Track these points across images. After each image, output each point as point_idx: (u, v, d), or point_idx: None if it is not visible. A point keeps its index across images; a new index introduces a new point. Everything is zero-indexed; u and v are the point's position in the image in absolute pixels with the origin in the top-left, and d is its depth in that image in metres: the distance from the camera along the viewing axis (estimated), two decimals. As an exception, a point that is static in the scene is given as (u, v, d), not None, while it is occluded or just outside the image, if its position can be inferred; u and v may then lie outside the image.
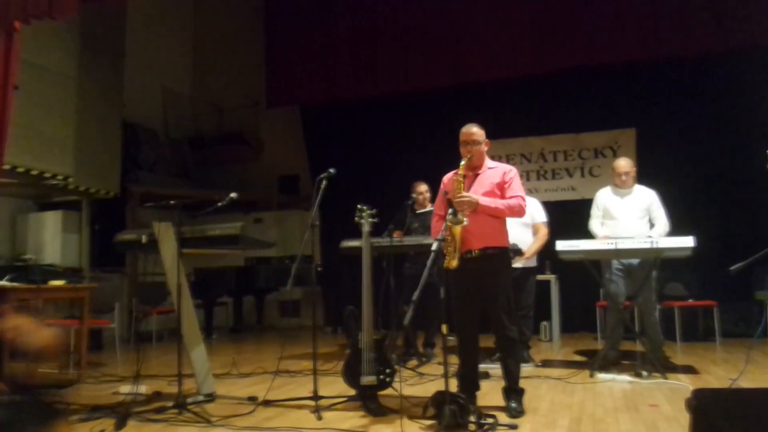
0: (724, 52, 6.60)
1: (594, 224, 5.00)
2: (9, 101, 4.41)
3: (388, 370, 3.59)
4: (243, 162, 10.01)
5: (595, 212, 5.04)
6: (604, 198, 5.01)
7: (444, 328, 3.09)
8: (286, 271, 8.12)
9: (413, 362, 5.21)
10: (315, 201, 3.81)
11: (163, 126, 9.73)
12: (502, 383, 3.53)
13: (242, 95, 9.70)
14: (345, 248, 5.26)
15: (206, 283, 8.19)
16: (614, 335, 4.92)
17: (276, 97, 8.51)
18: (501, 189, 3.48)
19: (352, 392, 3.69)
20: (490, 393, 3.79)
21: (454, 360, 3.53)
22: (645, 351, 4.76)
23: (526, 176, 7.90)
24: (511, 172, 3.54)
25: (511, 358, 3.49)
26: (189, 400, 3.71)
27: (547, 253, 5.35)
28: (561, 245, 4.53)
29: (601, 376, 4.47)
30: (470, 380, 3.51)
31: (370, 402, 3.53)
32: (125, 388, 4.07)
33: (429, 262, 3.02)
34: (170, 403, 3.61)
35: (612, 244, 4.46)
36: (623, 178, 4.88)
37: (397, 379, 3.64)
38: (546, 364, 5.20)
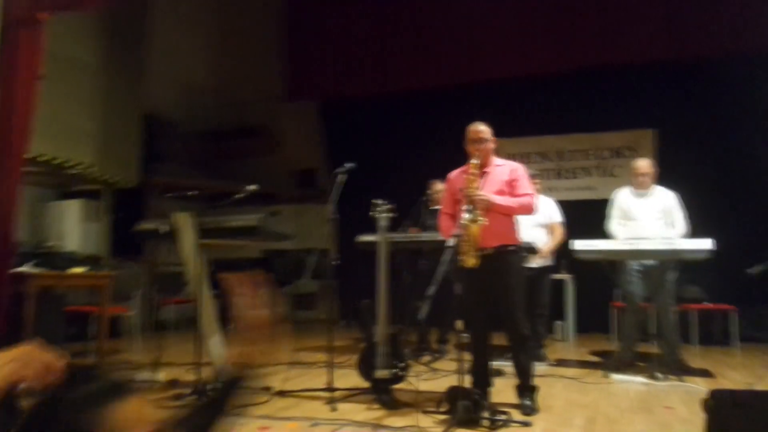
0: (747, 53, 6.51)
1: (612, 225, 4.97)
2: (35, 91, 4.48)
3: (402, 365, 3.61)
4: (261, 155, 10.07)
5: (614, 213, 5.01)
6: (622, 198, 4.98)
7: (459, 324, 3.12)
8: (302, 264, 8.18)
9: (427, 357, 5.23)
10: (333, 195, 3.84)
11: (184, 118, 9.82)
12: (516, 381, 3.54)
13: (261, 89, 9.75)
14: (361, 243, 5.28)
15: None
16: (630, 337, 4.90)
17: (295, 91, 8.56)
18: (510, 186, 3.49)
19: (367, 385, 3.72)
20: (504, 390, 3.80)
21: (467, 356, 3.55)
22: (661, 353, 4.73)
23: (543, 175, 7.86)
24: (519, 169, 3.56)
25: (524, 356, 3.50)
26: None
27: (562, 252, 5.33)
28: (578, 245, 4.51)
29: (616, 376, 4.46)
30: (482, 376, 3.52)
31: (384, 395, 3.56)
32: (143, 375, 4.14)
33: (444, 258, 3.04)
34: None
35: (630, 244, 4.43)
36: (642, 179, 4.84)
37: (411, 373, 3.67)
38: (560, 363, 5.19)
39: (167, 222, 4.12)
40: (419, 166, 7.14)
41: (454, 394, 3.13)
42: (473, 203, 3.26)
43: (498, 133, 3.62)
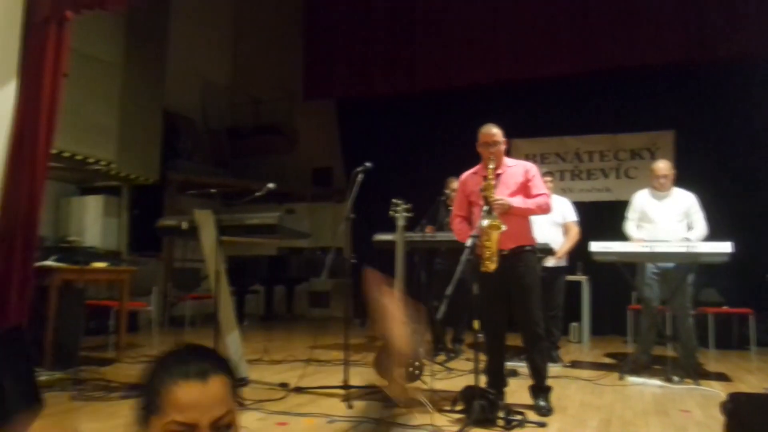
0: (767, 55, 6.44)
1: (629, 226, 4.95)
2: (59, 89, 4.55)
3: (417, 363, 3.64)
4: (278, 153, 10.15)
5: (631, 215, 4.99)
6: (641, 200, 4.95)
7: (476, 324, 3.14)
8: (317, 262, 8.23)
9: (442, 357, 5.25)
10: (350, 194, 3.87)
11: (202, 116, 9.92)
12: (530, 381, 3.55)
13: (279, 87, 9.83)
14: (378, 241, 5.31)
15: (239, 271, 8.34)
16: (646, 339, 4.87)
17: (312, 90, 8.60)
18: (525, 187, 3.50)
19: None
20: (519, 391, 3.81)
21: (482, 356, 3.57)
22: (677, 356, 4.71)
23: (560, 176, 7.85)
24: (532, 169, 3.57)
25: (538, 356, 3.50)
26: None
27: (578, 253, 5.32)
28: (595, 246, 4.49)
29: (631, 379, 4.45)
30: (498, 376, 3.53)
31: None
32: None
33: (462, 258, 3.05)
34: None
35: (647, 247, 4.41)
36: (662, 181, 4.81)
37: (426, 372, 3.69)
38: (575, 365, 5.19)
39: (188, 218, 4.18)
40: (436, 165, 7.16)
41: (469, 394, 3.14)
42: (492, 209, 3.26)
43: (515, 133, 3.64)
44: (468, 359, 5.07)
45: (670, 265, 4.69)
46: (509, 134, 3.60)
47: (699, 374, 4.52)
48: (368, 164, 3.92)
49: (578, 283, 6.71)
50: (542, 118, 7.71)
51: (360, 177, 3.88)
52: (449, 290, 2.89)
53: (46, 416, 3.17)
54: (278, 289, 9.24)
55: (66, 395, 3.68)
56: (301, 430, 3.08)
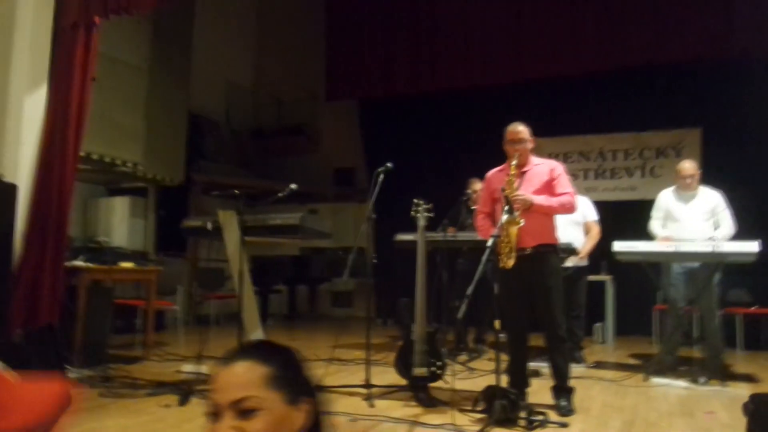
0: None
1: (654, 226, 4.89)
2: (88, 92, 4.67)
3: (439, 363, 3.65)
4: (301, 154, 10.23)
5: (656, 214, 4.93)
6: (666, 200, 4.88)
7: (497, 324, 3.14)
8: (340, 262, 8.28)
9: (464, 357, 5.25)
10: (372, 194, 3.89)
11: (226, 117, 10.04)
12: (552, 382, 3.54)
13: (302, 88, 9.91)
14: (399, 241, 5.33)
15: (262, 271, 8.44)
16: (672, 340, 4.81)
17: (335, 90, 8.66)
18: (550, 186, 3.49)
19: (404, 382, 3.77)
20: (541, 391, 3.79)
21: (504, 356, 3.57)
22: (703, 357, 4.64)
23: (584, 175, 7.78)
24: (558, 168, 3.55)
25: (561, 357, 3.49)
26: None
27: (603, 253, 5.27)
28: (618, 246, 4.44)
29: (656, 380, 4.39)
30: (519, 377, 3.52)
31: (421, 393, 3.60)
32: (188, 367, 4.28)
33: (484, 258, 3.06)
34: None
35: (671, 246, 4.36)
36: (687, 181, 4.73)
37: (448, 372, 3.70)
38: (599, 365, 5.14)
39: (213, 219, 4.25)
40: (459, 165, 7.16)
41: (490, 393, 3.14)
42: (512, 204, 3.26)
43: (538, 132, 3.62)
44: (490, 359, 5.06)
45: (696, 264, 4.62)
46: (532, 133, 3.59)
47: (726, 375, 4.45)
48: (389, 164, 3.93)
49: (602, 283, 6.65)
50: (566, 116, 7.64)
51: (381, 177, 3.90)
52: (470, 290, 2.90)
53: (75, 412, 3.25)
54: (301, 289, 9.32)
55: (94, 392, 3.77)
56: (323, 428, 3.10)
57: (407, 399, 3.65)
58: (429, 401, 3.54)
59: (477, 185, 5.56)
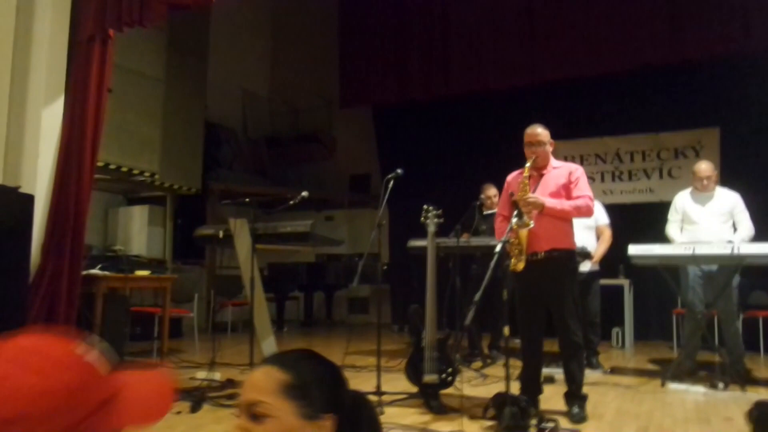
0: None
1: (671, 228, 4.81)
2: (104, 103, 4.76)
3: (450, 370, 3.63)
4: (316, 161, 10.29)
5: (673, 216, 4.85)
6: (683, 201, 4.80)
7: (506, 330, 3.11)
8: (355, 269, 8.30)
9: (478, 363, 5.22)
10: (382, 201, 3.89)
11: (242, 125, 10.15)
12: (566, 388, 3.49)
13: (316, 96, 9.97)
14: (412, 247, 5.32)
15: (279, 278, 8.49)
16: (690, 345, 4.73)
17: (349, 97, 8.69)
18: (567, 189, 3.44)
19: (415, 389, 3.75)
20: (554, 398, 3.75)
21: (517, 363, 3.54)
22: (723, 362, 4.55)
23: (600, 177, 7.69)
24: (577, 171, 3.50)
25: (575, 363, 3.44)
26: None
27: (620, 256, 5.20)
28: (634, 250, 4.37)
29: (673, 386, 4.31)
30: (532, 383, 3.49)
31: (431, 400, 3.58)
32: (201, 374, 4.31)
33: (492, 263, 3.04)
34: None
35: (688, 249, 4.28)
36: (704, 182, 4.65)
37: (459, 378, 3.67)
38: (616, 371, 5.06)
39: (224, 227, 4.29)
40: (474, 170, 7.13)
41: (501, 401, 3.12)
42: (522, 207, 3.24)
43: (554, 135, 3.57)
44: (505, 365, 5.01)
45: (714, 267, 4.54)
46: (550, 136, 3.54)
47: (747, 380, 4.35)
48: (399, 171, 3.93)
49: (620, 287, 6.55)
50: (581, 118, 7.57)
51: (391, 184, 3.90)
52: (477, 296, 2.88)
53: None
54: (317, 296, 9.35)
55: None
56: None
57: (418, 406, 3.63)
58: (440, 408, 3.52)
59: (490, 190, 5.53)
